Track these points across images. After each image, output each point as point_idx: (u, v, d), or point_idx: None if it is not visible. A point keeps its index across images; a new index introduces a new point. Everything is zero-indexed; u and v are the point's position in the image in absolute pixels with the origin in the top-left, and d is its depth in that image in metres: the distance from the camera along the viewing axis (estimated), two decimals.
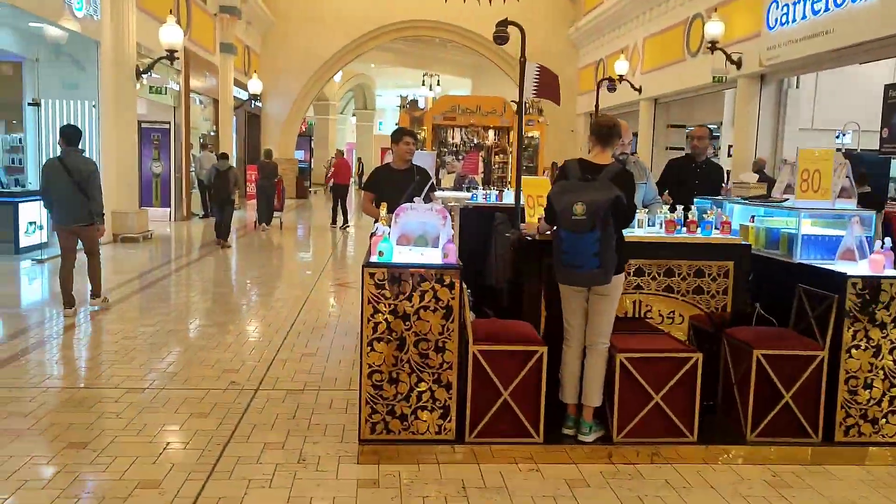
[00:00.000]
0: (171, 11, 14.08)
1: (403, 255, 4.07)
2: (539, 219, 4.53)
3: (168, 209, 17.01)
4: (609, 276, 3.96)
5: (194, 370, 5.64)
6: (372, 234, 5.05)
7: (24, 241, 11.00)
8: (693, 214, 4.75)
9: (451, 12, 23.77)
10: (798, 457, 4.20)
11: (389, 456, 4.00)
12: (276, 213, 16.91)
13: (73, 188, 7.10)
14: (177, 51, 13.67)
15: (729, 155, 15.22)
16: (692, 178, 6.72)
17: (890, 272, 4.27)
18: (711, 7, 14.69)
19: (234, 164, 18.21)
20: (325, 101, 35.92)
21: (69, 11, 11.29)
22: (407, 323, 3.97)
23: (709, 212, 4.81)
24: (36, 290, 9.23)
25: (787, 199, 5.06)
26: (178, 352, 6.22)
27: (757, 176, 11.70)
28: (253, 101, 23.95)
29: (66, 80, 12.80)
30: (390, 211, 4.36)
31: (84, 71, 12.78)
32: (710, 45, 13.84)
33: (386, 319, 3.96)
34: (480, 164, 17.25)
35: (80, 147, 7.38)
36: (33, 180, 12.57)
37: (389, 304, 3.96)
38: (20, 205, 10.87)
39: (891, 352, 4.23)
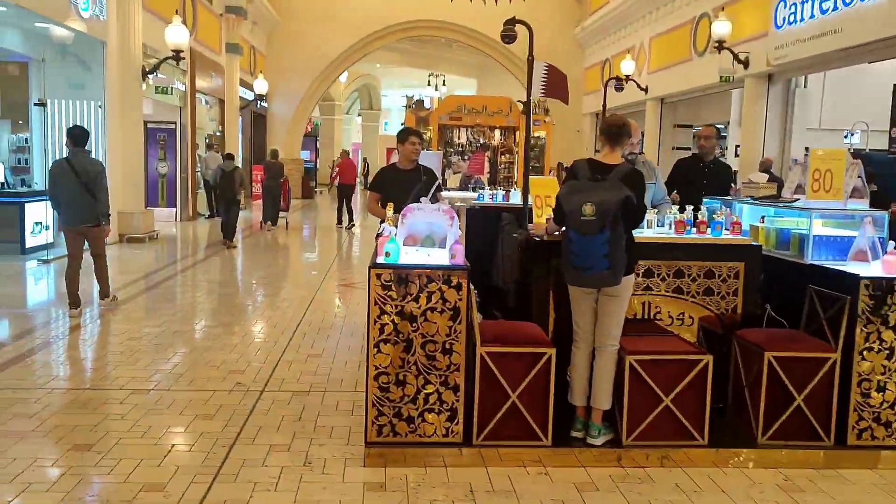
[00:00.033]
0: (176, 12, 14.08)
1: (410, 256, 4.03)
2: (547, 219, 4.48)
3: (174, 209, 17.01)
4: (619, 277, 3.92)
5: (200, 371, 5.62)
6: (378, 235, 5.02)
7: (31, 242, 11.00)
8: (703, 215, 4.70)
9: (457, 12, 23.72)
10: (810, 460, 4.14)
11: (396, 459, 3.96)
12: (281, 214, 16.90)
13: (80, 189, 7.11)
14: (183, 51, 13.67)
15: (736, 155, 15.14)
16: (700, 177, 6.66)
17: None
18: (718, 6, 14.61)
19: (240, 165, 18.20)
20: (331, 102, 35.91)
21: (75, 11, 11.29)
22: (414, 324, 3.93)
23: (718, 212, 4.76)
24: (42, 291, 9.23)
25: (798, 200, 5.01)
26: (184, 352, 6.19)
27: (767, 176, 11.63)
28: (259, 102, 23.94)
29: (72, 80, 12.80)
30: (396, 211, 4.32)
31: (90, 71, 12.79)
32: (717, 44, 13.76)
33: (393, 321, 3.92)
34: (486, 165, 17.21)
35: (86, 148, 7.38)
36: (39, 180, 12.59)
37: (396, 306, 3.92)
38: (26, 205, 10.87)
39: None
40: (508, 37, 5.11)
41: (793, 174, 5.33)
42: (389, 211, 4.39)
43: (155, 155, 16.78)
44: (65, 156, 7.40)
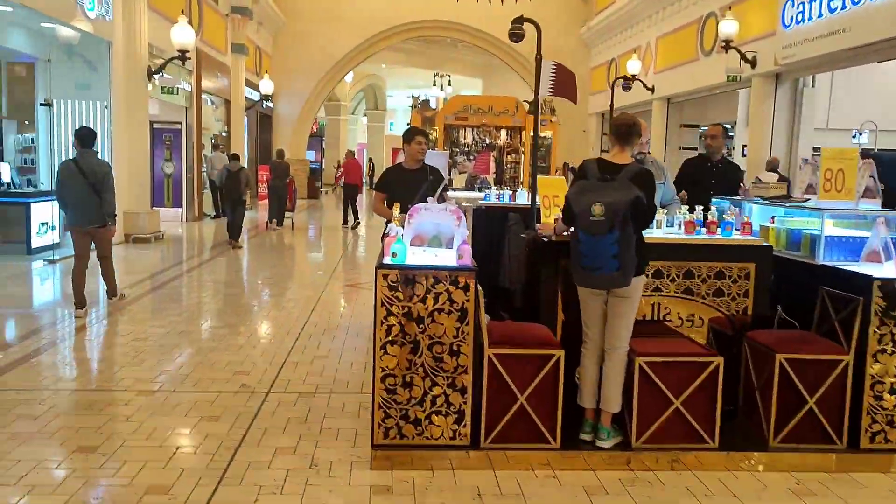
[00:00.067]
0: (182, 12, 14.07)
1: (417, 257, 3.99)
2: (556, 219, 4.44)
3: (180, 209, 17.01)
4: (628, 278, 3.87)
5: (205, 372, 5.58)
6: (384, 235, 4.98)
7: (36, 242, 10.99)
8: (713, 215, 4.65)
9: (463, 12, 23.69)
10: (822, 464, 4.08)
11: (403, 461, 3.91)
12: (287, 214, 16.90)
13: (87, 190, 7.12)
14: (188, 51, 13.66)
15: (743, 155, 15.06)
16: (708, 177, 6.60)
17: None
18: (725, 5, 14.54)
19: (246, 165, 18.20)
20: (337, 102, 35.93)
21: (81, 12, 11.28)
22: (421, 326, 3.89)
23: (729, 212, 4.70)
24: (48, 291, 9.22)
25: (809, 200, 4.95)
26: (189, 353, 6.16)
27: (777, 175, 11.56)
28: (264, 102, 23.95)
29: (78, 80, 12.80)
30: (403, 211, 4.28)
31: (96, 71, 12.78)
32: (724, 43, 13.69)
33: (399, 322, 3.88)
34: (492, 164, 17.17)
35: (94, 148, 7.40)
36: (45, 181, 12.59)
37: (403, 307, 3.88)
38: (32, 205, 10.87)
39: None
40: (516, 35, 5.07)
41: (803, 174, 5.28)
42: (396, 211, 4.35)
43: (161, 155, 16.79)
44: (72, 157, 7.41)
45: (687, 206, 4.87)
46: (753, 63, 13.69)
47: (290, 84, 25.08)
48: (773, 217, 5.21)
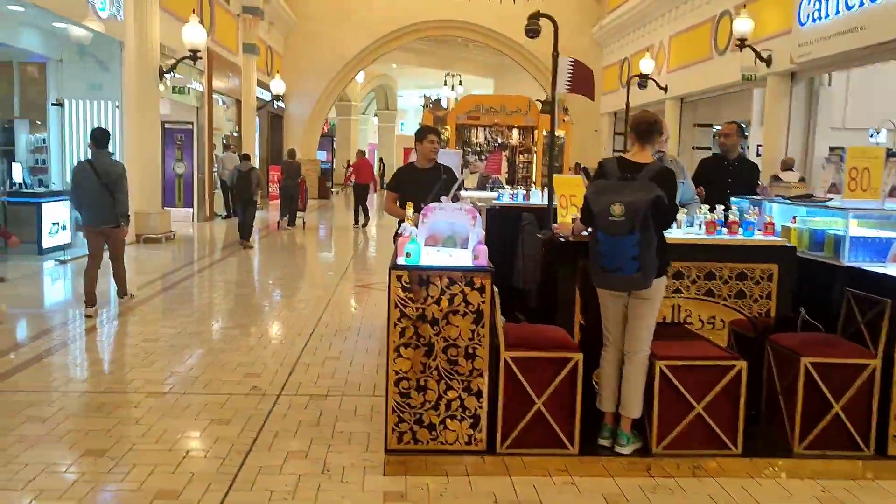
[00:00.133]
0: (193, 11, 14.04)
1: (431, 257, 3.90)
2: (573, 219, 4.33)
3: (191, 210, 16.98)
4: (649, 280, 3.75)
5: (216, 374, 5.51)
6: (397, 235, 4.90)
7: (48, 242, 10.97)
8: (734, 215, 4.53)
9: (474, 12, 23.61)
10: (849, 471, 3.96)
11: (417, 467, 3.82)
12: (298, 214, 16.86)
13: (101, 190, 7.15)
14: (200, 51, 13.63)
15: (758, 154, 14.89)
16: (725, 176, 6.48)
17: None
18: (740, 3, 14.36)
19: (257, 165, 18.17)
20: (347, 102, 35.88)
21: (93, 12, 11.27)
22: (435, 328, 3.80)
23: (750, 212, 4.59)
24: (59, 291, 9.20)
25: (832, 199, 4.84)
26: (200, 354, 6.10)
27: (798, 175, 11.39)
28: (275, 102, 23.93)
29: (90, 80, 12.79)
30: (416, 211, 4.19)
31: (107, 71, 12.77)
32: (738, 42, 13.53)
33: (413, 324, 3.79)
34: (504, 164, 17.06)
35: (108, 149, 7.40)
36: (57, 181, 12.58)
37: (417, 308, 3.79)
38: (43, 205, 10.84)
39: None
40: (533, 31, 4.97)
41: (825, 173, 5.16)
42: (409, 210, 4.26)
43: (172, 155, 16.77)
44: (87, 157, 7.42)
45: (707, 206, 4.75)
46: (769, 62, 13.51)
47: (301, 84, 25.05)
48: (794, 217, 5.09)
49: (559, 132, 17.24)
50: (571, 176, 7.05)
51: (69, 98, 12.75)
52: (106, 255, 7.46)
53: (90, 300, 7.18)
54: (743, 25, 13.37)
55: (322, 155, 29.39)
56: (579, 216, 4.13)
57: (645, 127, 3.96)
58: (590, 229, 3.95)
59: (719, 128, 6.81)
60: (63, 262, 10.39)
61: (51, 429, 4.34)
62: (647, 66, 18.65)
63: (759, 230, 4.52)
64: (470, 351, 3.81)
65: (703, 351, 4.01)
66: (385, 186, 7.97)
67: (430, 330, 3.79)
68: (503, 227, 5.99)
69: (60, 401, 4.83)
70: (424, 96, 19.06)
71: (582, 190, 4.60)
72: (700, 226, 4.55)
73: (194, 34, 13.38)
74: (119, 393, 5.08)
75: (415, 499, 3.57)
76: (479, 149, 17.05)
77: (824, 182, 5.03)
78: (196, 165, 17.03)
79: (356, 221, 17.43)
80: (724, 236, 4.46)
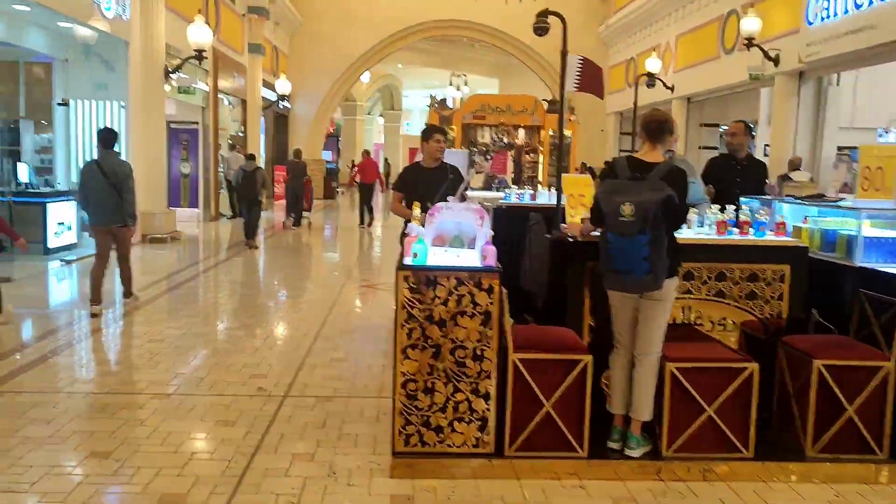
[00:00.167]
0: (199, 11, 14.03)
1: (439, 257, 3.85)
2: (583, 219, 4.28)
3: (196, 210, 16.98)
4: (660, 281, 3.70)
5: (221, 375, 5.48)
6: (404, 235, 4.85)
7: (53, 242, 10.96)
8: (745, 215, 4.48)
9: (479, 12, 23.54)
10: (862, 475, 3.90)
11: (424, 470, 3.78)
12: (304, 213, 16.83)
13: (108, 190, 7.15)
14: (205, 51, 13.60)
15: (765, 154, 14.80)
16: (734, 175, 6.41)
17: None
18: (748, 3, 14.27)
19: (262, 165, 18.14)
20: (353, 102, 35.86)
21: (98, 11, 11.26)
22: (443, 329, 3.75)
23: (762, 212, 4.53)
24: (64, 292, 9.18)
25: (844, 199, 4.77)
26: (205, 355, 6.07)
27: (809, 174, 11.29)
28: (281, 102, 23.91)
29: (96, 80, 12.79)
30: (423, 210, 4.15)
31: (113, 71, 12.77)
32: (746, 41, 13.44)
33: (421, 325, 3.75)
34: (510, 164, 16.99)
35: (116, 150, 7.39)
36: (62, 181, 12.57)
37: (424, 309, 3.74)
38: (49, 205, 10.83)
39: None
40: (541, 28, 4.92)
41: (837, 172, 5.10)
42: (416, 210, 4.21)
43: (177, 155, 16.75)
44: (94, 157, 7.43)
45: (718, 206, 4.69)
46: (776, 61, 13.42)
47: (307, 84, 25.02)
48: (805, 217, 5.03)
49: (566, 132, 17.16)
50: (579, 175, 7.01)
51: (75, 98, 12.75)
52: (113, 255, 7.45)
53: (96, 298, 7.18)
54: (751, 25, 13.28)
55: (327, 155, 29.36)
56: (589, 216, 4.08)
57: (656, 126, 3.91)
58: (599, 230, 3.90)
59: (726, 127, 6.73)
60: (68, 263, 10.38)
61: (55, 430, 4.30)
62: (653, 65, 18.57)
63: (770, 230, 4.47)
64: (478, 352, 3.76)
65: (714, 353, 3.96)
66: (392, 186, 7.93)
67: (437, 331, 3.74)
68: (510, 227, 5.94)
69: (65, 402, 4.80)
70: (431, 96, 18.97)
71: (590, 189, 4.55)
72: (711, 226, 4.49)
73: (200, 34, 13.36)
74: (124, 394, 5.05)
75: (422, 502, 3.53)
76: (485, 149, 16.98)
77: (834, 182, 4.97)
78: (201, 165, 17.01)
79: (361, 221, 17.40)
80: (735, 236, 4.41)
